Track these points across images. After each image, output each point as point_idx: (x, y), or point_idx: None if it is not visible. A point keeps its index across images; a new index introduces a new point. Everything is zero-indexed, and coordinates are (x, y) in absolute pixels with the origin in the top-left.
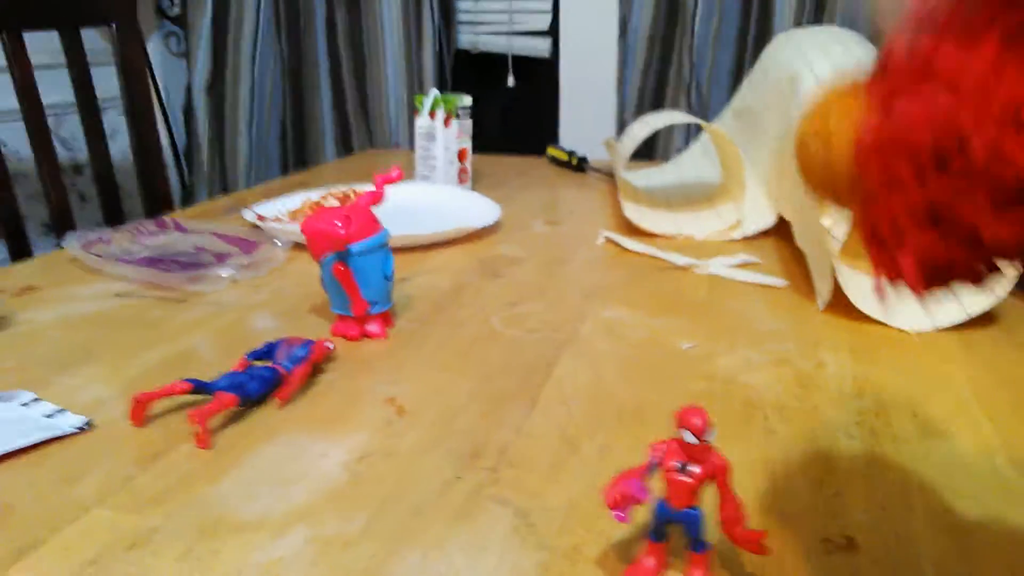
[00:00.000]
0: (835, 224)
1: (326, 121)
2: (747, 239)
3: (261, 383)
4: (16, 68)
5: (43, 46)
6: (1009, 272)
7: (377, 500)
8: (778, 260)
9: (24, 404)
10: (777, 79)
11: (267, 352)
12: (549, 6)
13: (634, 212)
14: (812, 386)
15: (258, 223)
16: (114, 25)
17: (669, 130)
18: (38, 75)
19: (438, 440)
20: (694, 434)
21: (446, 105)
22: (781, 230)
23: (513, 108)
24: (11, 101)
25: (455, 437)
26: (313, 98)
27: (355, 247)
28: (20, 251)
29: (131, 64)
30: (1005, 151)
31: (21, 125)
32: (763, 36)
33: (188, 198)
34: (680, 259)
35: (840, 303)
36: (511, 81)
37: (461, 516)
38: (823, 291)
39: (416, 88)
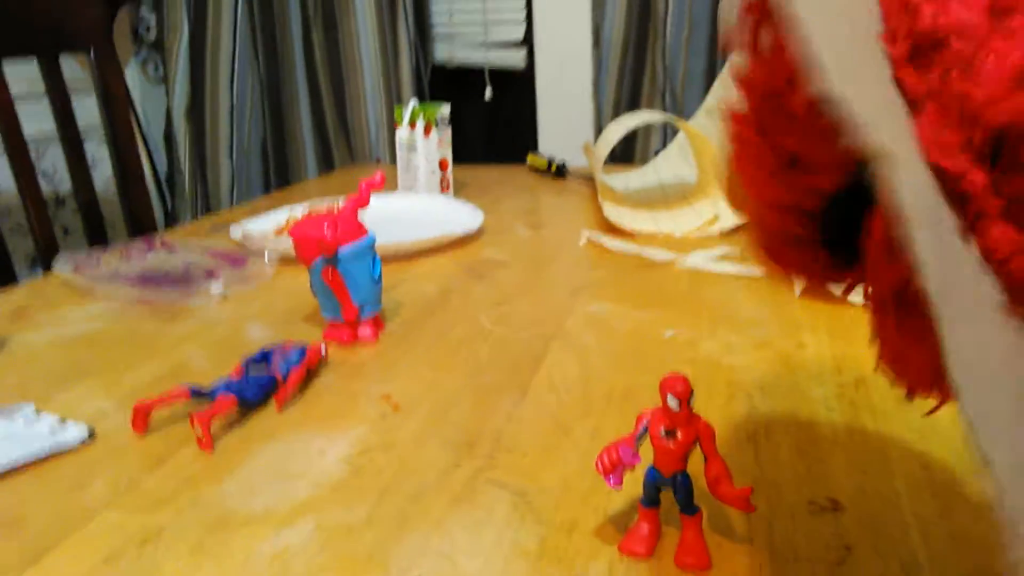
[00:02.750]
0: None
1: (306, 139)
2: (725, 233)
3: (258, 388)
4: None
5: (17, 76)
6: None
7: (378, 490)
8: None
9: (26, 418)
10: None
11: (263, 358)
12: (523, 16)
13: (614, 212)
14: (793, 365)
15: (243, 240)
16: (92, 51)
17: (646, 133)
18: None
19: (433, 432)
20: (677, 400)
21: (425, 115)
22: None
23: (492, 119)
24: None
25: (450, 428)
26: (293, 117)
27: (343, 251)
28: (6, 283)
29: (111, 91)
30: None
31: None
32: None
33: (171, 224)
34: (661, 254)
35: (818, 289)
36: (488, 93)
37: (460, 499)
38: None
39: (395, 102)
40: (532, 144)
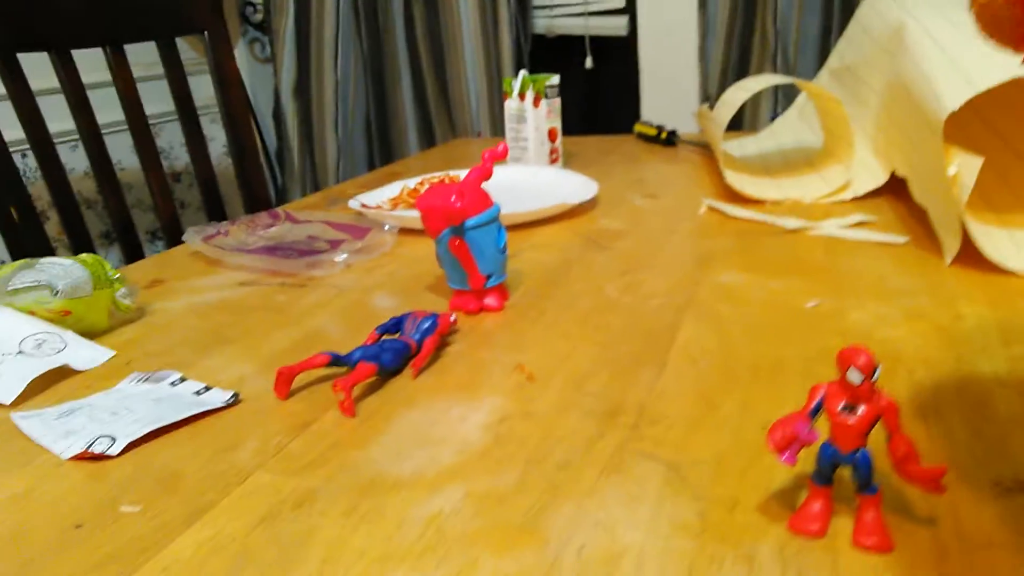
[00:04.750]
0: (961, 173)
1: (408, 114)
2: (858, 199)
3: (394, 354)
4: (119, 80)
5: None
6: None
7: (522, 458)
8: (895, 218)
9: (172, 383)
10: (879, 35)
11: (395, 326)
12: None
13: (737, 179)
14: (953, 338)
15: (363, 211)
16: (205, 33)
17: (756, 100)
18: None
19: (572, 402)
20: (861, 373)
21: (535, 86)
22: (894, 187)
23: (593, 89)
24: (113, 114)
25: (589, 398)
26: (395, 92)
27: (470, 221)
28: (132, 255)
29: (224, 71)
30: None
31: (119, 136)
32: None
33: (282, 198)
34: (791, 222)
35: (970, 257)
36: (589, 62)
37: (610, 470)
38: (951, 245)
39: (495, 76)
40: (634, 113)
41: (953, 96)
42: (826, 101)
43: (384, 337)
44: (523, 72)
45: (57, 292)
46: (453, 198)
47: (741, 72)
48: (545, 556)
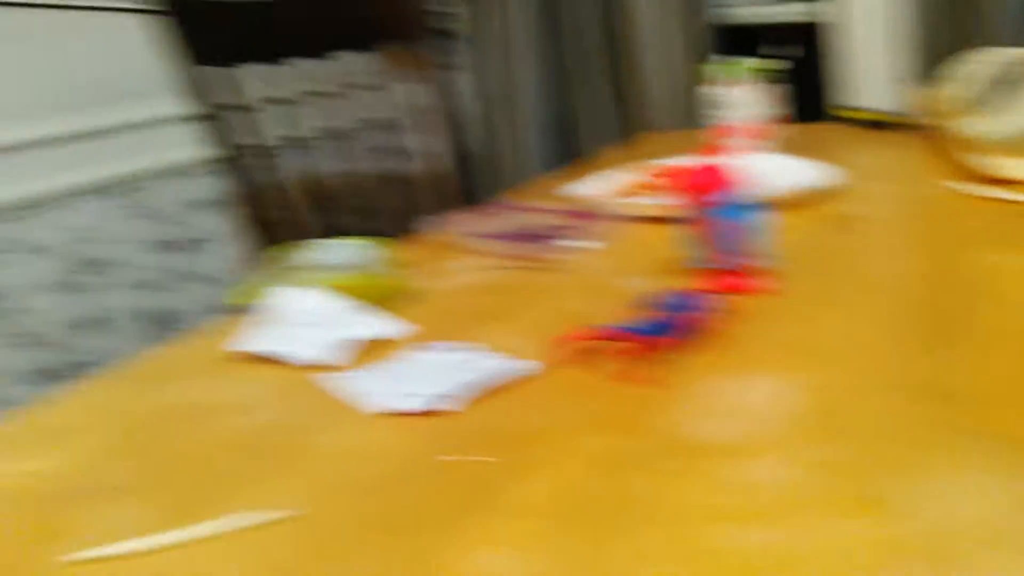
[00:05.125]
0: None
1: (602, 109)
2: None
3: (680, 328)
4: (337, 88)
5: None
6: None
7: (842, 430)
8: None
9: (474, 353)
10: None
11: (673, 303)
12: None
13: (993, 162)
14: None
15: (591, 198)
16: (413, 43)
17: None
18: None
19: (877, 378)
20: None
21: (756, 69)
22: None
23: (790, 75)
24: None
25: (893, 375)
26: (589, 89)
27: (735, 200)
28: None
29: (431, 77)
30: None
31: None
32: None
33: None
34: None
35: None
36: (777, 52)
37: (938, 445)
38: None
39: (686, 66)
40: (830, 98)
41: None
42: None
43: (664, 312)
44: (742, 59)
45: (350, 269)
46: (725, 178)
47: (953, 52)
48: (888, 528)
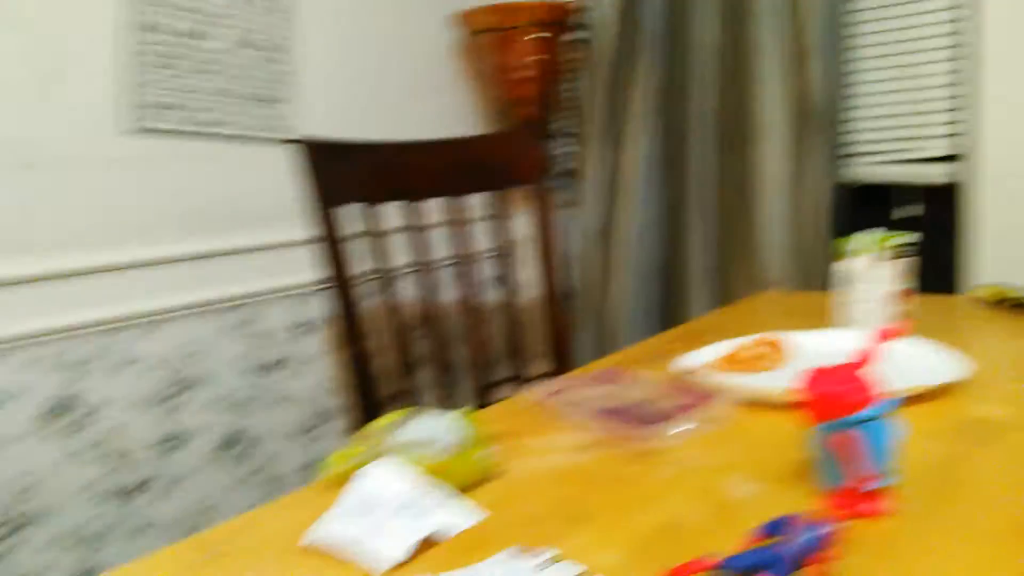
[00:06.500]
0: None
1: (701, 261)
2: None
3: (788, 565)
4: (455, 225)
5: (463, 203)
6: None
7: None
8: None
9: (547, 561)
10: None
11: (776, 527)
12: (950, 130)
13: None
14: None
15: (701, 376)
16: (530, 185)
17: None
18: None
19: None
20: None
21: (885, 243)
22: None
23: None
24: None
25: None
26: (691, 239)
27: (866, 413)
28: (442, 382)
29: (542, 217)
30: None
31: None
32: None
33: (579, 338)
34: None
35: None
36: (909, 211)
37: None
38: None
39: (803, 226)
40: (952, 269)
41: None
42: None
43: (768, 541)
44: (872, 232)
45: (438, 448)
46: (851, 384)
47: None
48: None
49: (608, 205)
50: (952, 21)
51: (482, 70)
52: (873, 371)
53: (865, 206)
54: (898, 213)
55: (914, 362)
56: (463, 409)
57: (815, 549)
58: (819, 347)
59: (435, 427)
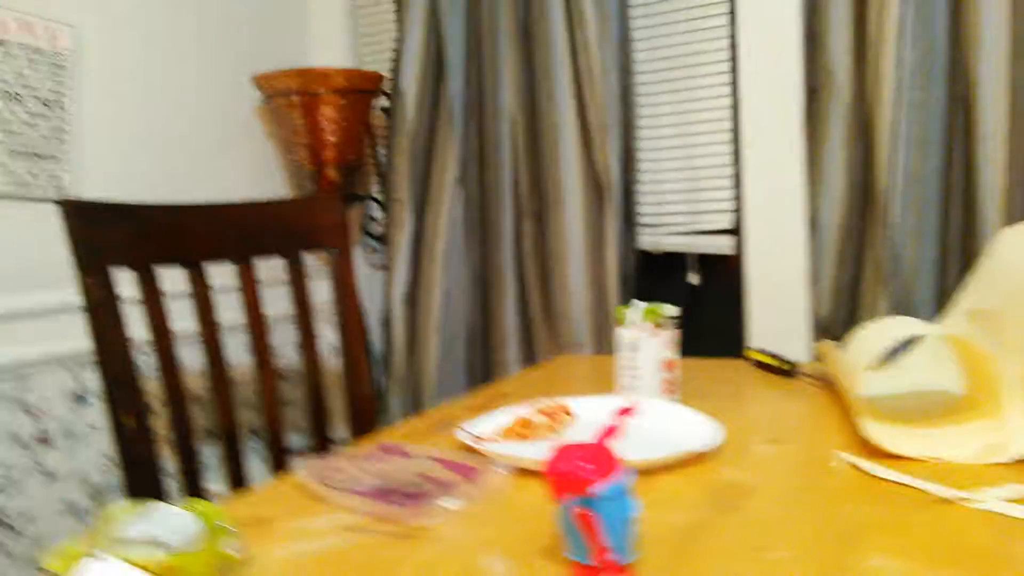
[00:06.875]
0: None
1: (511, 325)
2: (1015, 464)
3: None
4: (246, 290)
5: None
6: None
7: None
8: None
9: None
10: (1019, 281)
11: None
12: (731, 206)
13: (877, 431)
14: None
15: (476, 446)
16: (330, 250)
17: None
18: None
19: None
20: None
21: (651, 315)
22: None
23: (698, 305)
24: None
25: None
26: (499, 304)
27: (601, 491)
28: (231, 454)
29: (343, 281)
30: None
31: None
32: (969, 229)
33: (384, 401)
34: (945, 491)
35: None
36: (694, 279)
37: None
38: None
39: (600, 291)
40: (740, 332)
41: None
42: (975, 354)
43: None
44: (639, 303)
45: (168, 548)
46: (584, 464)
47: (852, 296)
48: None
49: (415, 269)
50: (730, 106)
51: (285, 134)
52: (614, 446)
53: (666, 273)
54: (695, 280)
55: (670, 430)
56: (199, 501)
57: None
58: (601, 413)
59: (169, 520)
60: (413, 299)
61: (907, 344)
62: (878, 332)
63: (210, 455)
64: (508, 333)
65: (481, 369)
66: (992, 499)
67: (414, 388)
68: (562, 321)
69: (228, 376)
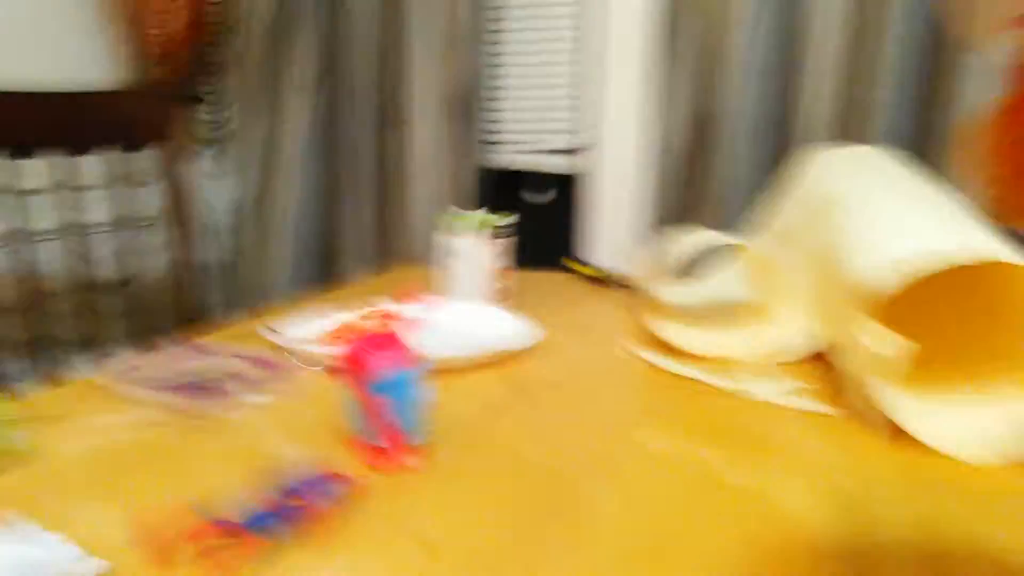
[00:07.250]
0: (880, 343)
1: (359, 236)
2: (792, 364)
3: (286, 520)
4: (64, 189)
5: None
6: None
7: None
8: (829, 386)
9: (50, 546)
10: (816, 200)
11: (294, 488)
12: (570, 127)
13: (668, 330)
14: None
15: (284, 345)
16: (161, 147)
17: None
18: (78, 194)
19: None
20: None
21: (486, 223)
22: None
23: (539, 223)
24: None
25: (502, 567)
26: (350, 216)
27: (393, 376)
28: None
29: (173, 183)
30: None
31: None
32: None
33: (229, 310)
34: (723, 382)
35: (905, 433)
36: (535, 197)
37: None
38: (875, 418)
39: (443, 205)
40: (577, 249)
41: (880, 276)
42: (762, 262)
43: (280, 500)
44: (475, 211)
45: None
46: (375, 352)
47: (684, 218)
48: None
49: (263, 176)
50: (574, 28)
51: (123, 22)
52: (411, 338)
53: (507, 190)
54: (533, 198)
55: (487, 333)
56: None
57: (326, 502)
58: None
59: None
60: (259, 207)
61: (709, 254)
62: (682, 242)
63: (20, 366)
64: (354, 245)
65: (326, 280)
66: (766, 390)
67: (258, 298)
68: (406, 233)
69: (46, 283)
